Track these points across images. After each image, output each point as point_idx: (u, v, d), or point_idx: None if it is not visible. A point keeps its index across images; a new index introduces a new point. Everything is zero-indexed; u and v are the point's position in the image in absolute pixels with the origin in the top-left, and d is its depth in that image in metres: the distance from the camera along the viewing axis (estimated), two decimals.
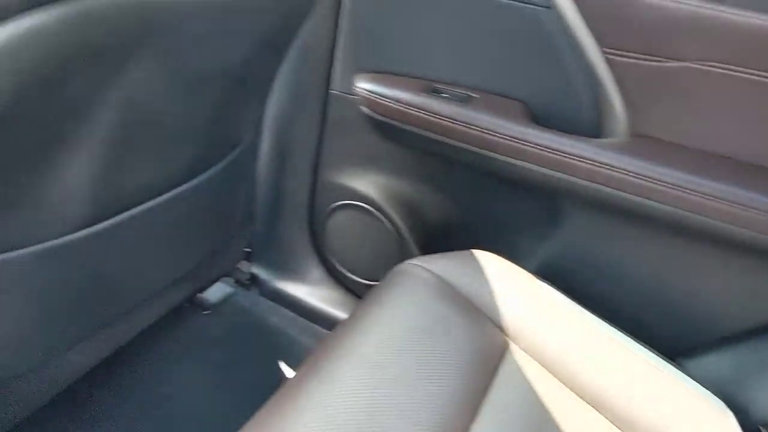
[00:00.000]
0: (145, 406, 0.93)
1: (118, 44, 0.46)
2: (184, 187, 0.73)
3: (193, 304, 1.11)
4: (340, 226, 1.06)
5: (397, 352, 0.61)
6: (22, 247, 0.57)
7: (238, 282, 1.18)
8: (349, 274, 1.09)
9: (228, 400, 0.97)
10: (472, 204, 0.93)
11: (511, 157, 0.79)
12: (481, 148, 0.81)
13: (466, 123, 0.80)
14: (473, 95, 0.83)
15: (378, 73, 0.89)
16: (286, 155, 1.02)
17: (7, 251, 0.56)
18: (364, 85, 0.89)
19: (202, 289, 1.09)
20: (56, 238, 0.60)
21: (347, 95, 0.92)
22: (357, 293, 1.11)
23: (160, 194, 0.69)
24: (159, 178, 0.68)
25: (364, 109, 0.90)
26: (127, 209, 0.66)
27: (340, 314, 1.10)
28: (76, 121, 0.51)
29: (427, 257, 0.76)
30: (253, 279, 1.17)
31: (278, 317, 1.13)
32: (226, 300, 1.15)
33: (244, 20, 0.56)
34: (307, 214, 1.08)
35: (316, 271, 1.13)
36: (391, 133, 0.91)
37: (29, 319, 0.64)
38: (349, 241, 1.07)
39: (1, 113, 0.44)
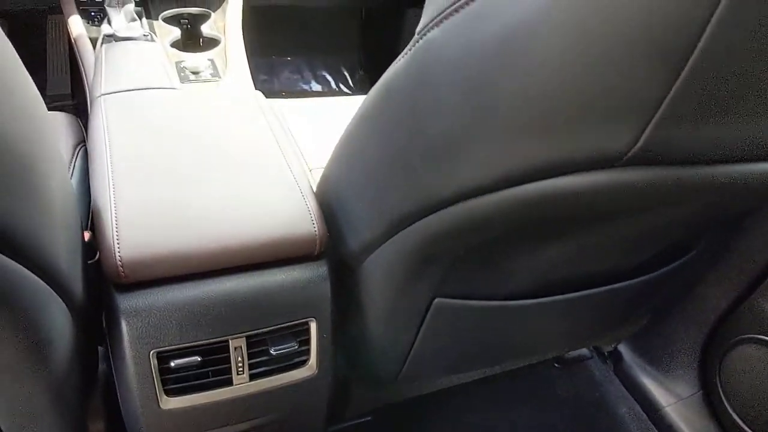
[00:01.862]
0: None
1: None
2: (623, 284, 0.68)
3: None
4: (747, 360, 0.89)
5: None
6: (476, 299, 0.61)
7: (597, 349, 1.11)
8: (735, 418, 0.91)
9: None
10: None
11: None
12: None
13: None
14: None
15: None
16: (720, 260, 0.88)
17: (467, 298, 0.61)
18: None
19: None
20: (498, 300, 0.63)
21: None
22: None
23: (594, 287, 0.66)
24: (601, 275, 0.65)
25: None
26: (561, 293, 0.65)
27: None
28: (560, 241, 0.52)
29: None
30: (615, 354, 1.08)
31: (627, 409, 1.03)
32: (579, 361, 1.10)
33: None
34: (711, 326, 0.93)
35: (688, 387, 0.98)
36: None
37: (449, 347, 0.69)
38: (754, 382, 0.88)
39: (517, 224, 0.46)
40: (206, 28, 1.10)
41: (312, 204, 0.61)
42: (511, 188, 0.41)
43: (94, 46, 0.99)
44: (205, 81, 0.93)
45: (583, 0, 0.32)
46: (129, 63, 0.83)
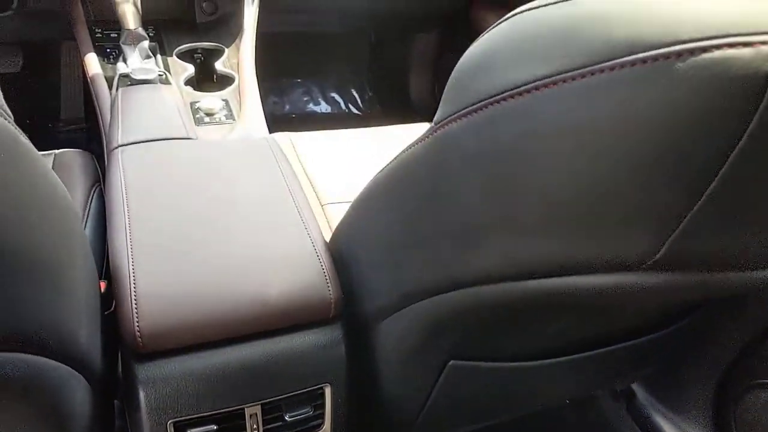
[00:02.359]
0: None
1: None
2: (638, 340, 0.68)
3: None
4: (763, 405, 0.88)
5: None
6: (491, 361, 0.62)
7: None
8: None
9: None
10: None
11: None
12: None
13: None
14: None
15: None
16: (735, 307, 0.87)
17: (482, 360, 0.61)
18: None
19: None
20: (514, 361, 0.63)
21: None
22: None
23: (609, 345, 0.66)
24: (617, 334, 0.65)
25: None
26: (577, 353, 0.65)
27: None
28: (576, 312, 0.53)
29: None
30: (627, 392, 1.08)
31: None
32: (591, 399, 1.09)
33: None
34: (725, 368, 0.93)
35: (701, 428, 0.98)
36: None
37: (463, 404, 0.70)
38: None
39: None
40: (220, 65, 1.11)
41: (327, 265, 0.61)
42: (530, 280, 0.41)
43: (110, 86, 1.00)
44: (219, 123, 0.94)
45: (597, 120, 0.32)
46: (145, 111, 0.84)
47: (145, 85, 0.93)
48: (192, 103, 0.98)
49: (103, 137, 0.89)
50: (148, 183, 0.66)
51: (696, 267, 0.36)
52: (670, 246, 0.34)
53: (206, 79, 1.13)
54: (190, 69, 1.09)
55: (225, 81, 1.10)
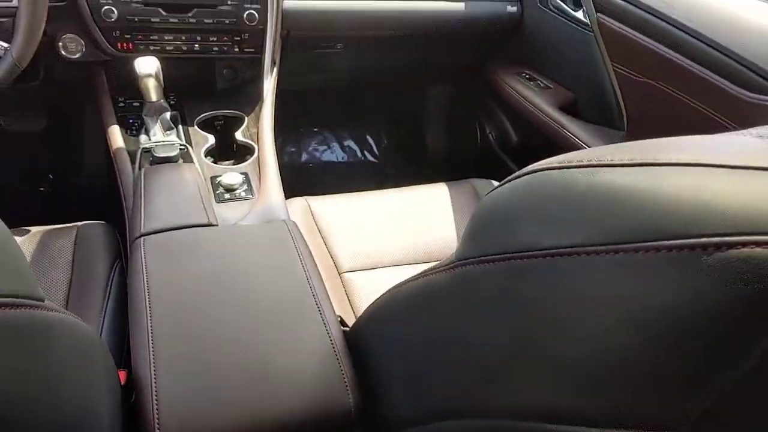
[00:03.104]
0: None
1: None
2: None
3: None
4: None
5: None
6: None
7: None
8: None
9: None
10: None
11: None
12: None
13: None
14: None
15: None
16: None
17: None
18: None
19: None
20: None
21: None
22: None
23: None
24: None
25: None
26: None
27: None
28: None
29: None
30: None
31: None
32: None
33: None
34: None
35: None
36: None
37: None
38: None
39: None
40: (239, 135, 1.13)
41: (347, 368, 0.61)
42: (549, 424, 0.40)
43: (132, 160, 1.02)
44: (239, 200, 0.95)
45: (621, 295, 0.32)
46: (167, 195, 0.86)
47: (166, 164, 0.95)
48: (213, 177, 1.00)
49: (126, 217, 0.91)
50: (170, 280, 0.67)
51: None
52: (697, 419, 0.33)
53: (226, 147, 1.15)
54: (210, 139, 1.11)
55: (245, 150, 1.11)
